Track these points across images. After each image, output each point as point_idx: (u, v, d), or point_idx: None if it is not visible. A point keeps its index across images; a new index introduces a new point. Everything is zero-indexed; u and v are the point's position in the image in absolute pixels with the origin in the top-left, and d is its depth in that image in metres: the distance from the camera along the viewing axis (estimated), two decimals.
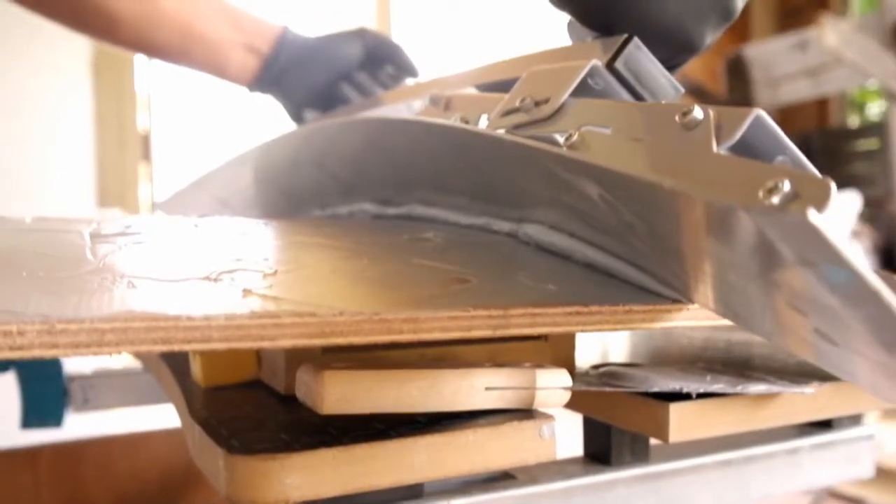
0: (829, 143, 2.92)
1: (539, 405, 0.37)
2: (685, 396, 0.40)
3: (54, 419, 0.72)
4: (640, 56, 0.41)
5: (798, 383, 0.43)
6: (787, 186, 0.26)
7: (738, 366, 0.47)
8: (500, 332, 0.33)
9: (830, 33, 2.56)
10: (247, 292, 0.31)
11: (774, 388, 0.41)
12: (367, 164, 0.55)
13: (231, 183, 0.75)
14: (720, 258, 0.31)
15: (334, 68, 0.81)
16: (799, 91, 2.82)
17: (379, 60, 0.82)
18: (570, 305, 0.34)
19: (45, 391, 0.72)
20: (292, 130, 0.65)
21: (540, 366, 0.37)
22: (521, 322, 0.33)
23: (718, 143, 0.32)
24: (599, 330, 0.35)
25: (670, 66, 0.43)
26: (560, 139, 0.38)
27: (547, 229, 0.43)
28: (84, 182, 1.91)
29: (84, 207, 1.92)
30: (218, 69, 0.82)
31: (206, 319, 0.28)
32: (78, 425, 0.76)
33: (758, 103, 2.92)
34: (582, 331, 0.35)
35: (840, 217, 1.97)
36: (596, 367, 0.45)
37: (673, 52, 0.42)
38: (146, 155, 2.22)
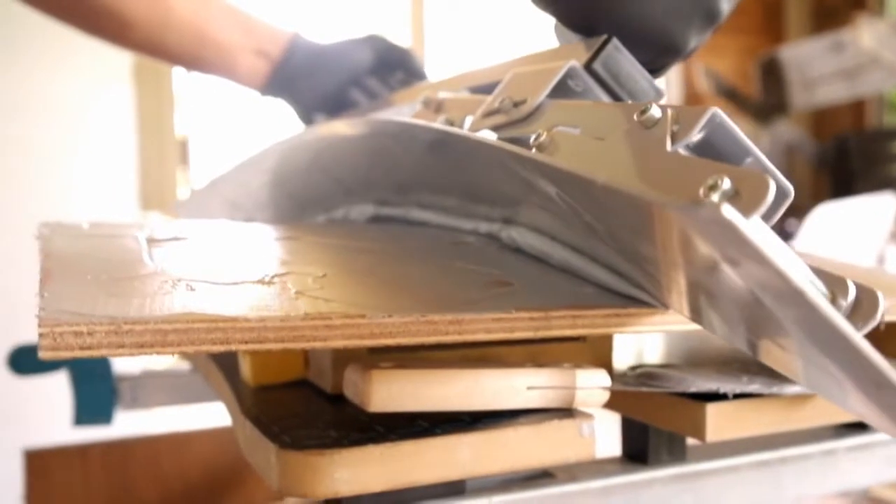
0: (866, 146, 2.89)
1: (579, 405, 0.38)
2: (722, 397, 0.41)
3: (104, 417, 0.74)
4: (619, 57, 0.41)
5: None
6: (726, 184, 0.26)
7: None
8: (541, 334, 0.34)
9: (867, 34, 2.53)
10: (299, 294, 0.33)
11: (809, 390, 0.42)
12: (365, 167, 0.56)
13: (242, 186, 0.76)
14: (671, 261, 0.31)
15: (344, 73, 0.81)
16: (835, 93, 2.80)
17: (389, 66, 0.82)
18: (609, 308, 0.35)
19: (95, 390, 0.74)
20: (297, 134, 0.65)
21: (579, 366, 0.38)
22: (562, 324, 0.34)
23: (675, 142, 0.33)
24: (636, 332, 0.36)
25: (654, 69, 0.42)
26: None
27: (529, 231, 0.43)
28: (127, 186, 1.94)
29: (127, 211, 1.95)
30: (229, 73, 0.82)
31: (262, 321, 0.30)
32: (127, 424, 0.78)
33: (793, 106, 2.89)
34: (618, 332, 0.37)
35: (876, 219, 1.95)
36: (633, 368, 0.46)
37: (655, 54, 0.42)
38: (184, 159, 2.26)
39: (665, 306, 0.36)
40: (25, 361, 0.74)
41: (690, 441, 0.45)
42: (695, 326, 0.37)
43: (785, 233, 2.59)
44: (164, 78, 2.08)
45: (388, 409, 0.34)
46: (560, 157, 0.37)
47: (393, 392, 0.34)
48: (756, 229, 0.29)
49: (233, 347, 0.29)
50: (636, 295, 0.37)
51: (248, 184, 0.74)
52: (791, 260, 0.31)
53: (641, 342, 0.55)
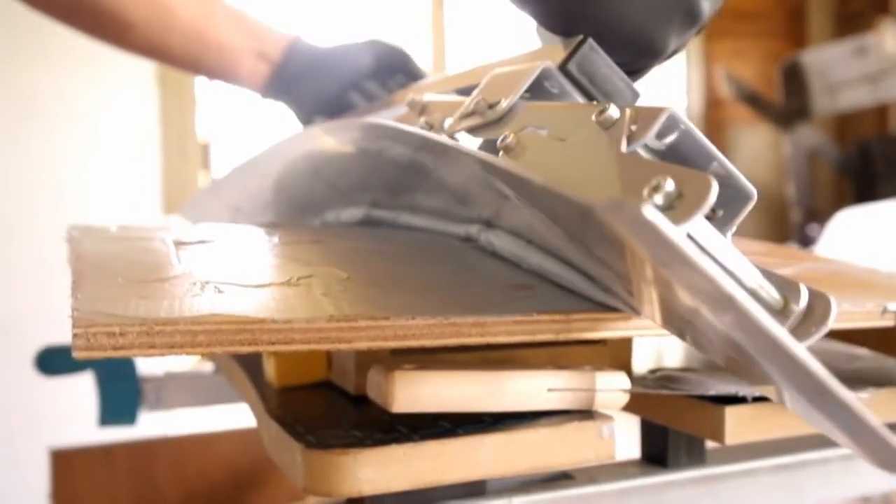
0: (889, 150, 2.87)
1: (599, 407, 0.38)
2: (741, 400, 0.41)
3: (129, 418, 0.75)
4: (595, 58, 0.40)
5: (853, 388, 0.44)
6: (669, 185, 0.26)
7: None
8: (562, 336, 0.34)
9: (890, 38, 2.52)
10: (324, 297, 0.33)
11: None
12: (354, 169, 0.55)
13: (242, 189, 0.76)
14: (623, 266, 0.31)
15: (344, 77, 0.81)
16: (858, 98, 2.78)
17: (389, 69, 0.82)
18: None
19: (120, 391, 0.75)
20: (291, 137, 0.65)
21: (599, 369, 0.39)
22: (583, 326, 0.35)
23: (632, 143, 0.32)
24: (656, 335, 0.37)
25: (633, 70, 0.42)
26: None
27: (506, 235, 0.43)
28: (151, 189, 1.96)
29: (150, 214, 1.97)
30: (229, 75, 0.82)
31: (289, 323, 0.30)
32: (151, 425, 0.79)
33: (816, 111, 2.88)
34: (638, 335, 0.37)
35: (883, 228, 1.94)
36: (653, 371, 0.47)
37: (634, 55, 0.41)
38: (206, 163, 2.28)
39: (635, 311, 0.36)
40: (52, 362, 0.75)
41: (710, 444, 0.46)
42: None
43: (807, 238, 2.58)
44: (187, 83, 2.10)
45: (410, 410, 0.35)
46: (526, 158, 0.37)
47: (416, 393, 0.34)
48: (698, 230, 0.29)
49: (260, 348, 0.30)
50: (606, 301, 0.36)
51: (248, 187, 0.74)
52: (739, 263, 0.31)
53: (661, 345, 0.55)
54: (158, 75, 1.96)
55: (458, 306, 0.34)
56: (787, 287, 0.31)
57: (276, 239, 0.46)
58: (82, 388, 0.77)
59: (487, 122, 0.42)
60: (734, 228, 0.35)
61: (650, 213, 0.22)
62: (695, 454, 0.46)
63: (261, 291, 0.34)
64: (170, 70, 1.93)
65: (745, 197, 0.35)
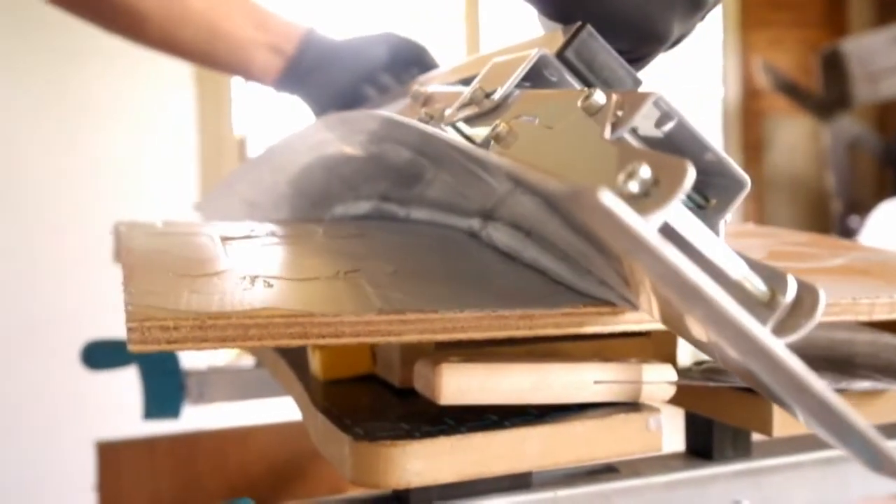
0: None
1: (645, 399, 0.38)
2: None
3: (173, 411, 0.76)
4: (594, 45, 0.40)
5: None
6: (644, 172, 0.25)
7: (840, 363, 0.47)
8: (609, 329, 0.34)
9: None
10: (372, 290, 0.34)
11: (879, 386, 0.42)
12: (362, 164, 0.55)
13: (256, 185, 0.76)
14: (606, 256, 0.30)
15: (358, 70, 0.80)
16: None
17: (403, 62, 0.81)
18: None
19: (164, 385, 0.76)
20: (301, 130, 0.64)
21: (646, 361, 0.38)
22: (630, 318, 0.34)
23: (617, 128, 0.32)
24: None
25: (636, 58, 0.41)
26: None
27: (505, 227, 0.42)
28: (188, 185, 1.98)
29: (188, 209, 1.99)
30: (242, 69, 0.82)
31: (338, 316, 0.31)
32: (193, 418, 0.80)
33: (856, 100, 2.84)
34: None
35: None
36: (698, 363, 0.46)
37: (636, 42, 0.40)
38: (242, 158, 2.30)
39: (633, 305, 0.35)
40: (98, 356, 0.77)
41: (755, 437, 0.45)
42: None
43: (848, 230, 2.54)
44: (223, 81, 2.12)
45: (457, 402, 0.35)
46: (516, 147, 0.37)
47: (463, 385, 0.35)
48: (678, 219, 0.28)
49: (310, 342, 0.30)
50: (603, 296, 0.35)
51: (262, 182, 0.74)
52: (723, 253, 0.30)
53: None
54: (195, 73, 1.98)
55: (506, 299, 0.34)
56: (774, 279, 0.30)
57: (319, 233, 0.46)
58: (127, 382, 0.78)
59: (483, 111, 0.41)
60: (728, 217, 0.35)
61: (608, 199, 0.22)
62: (740, 447, 0.46)
63: (309, 285, 0.34)
64: (206, 70, 1.95)
65: (739, 186, 0.34)
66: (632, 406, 0.38)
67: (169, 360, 0.76)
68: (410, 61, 0.81)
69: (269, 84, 0.83)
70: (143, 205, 1.84)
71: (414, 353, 0.41)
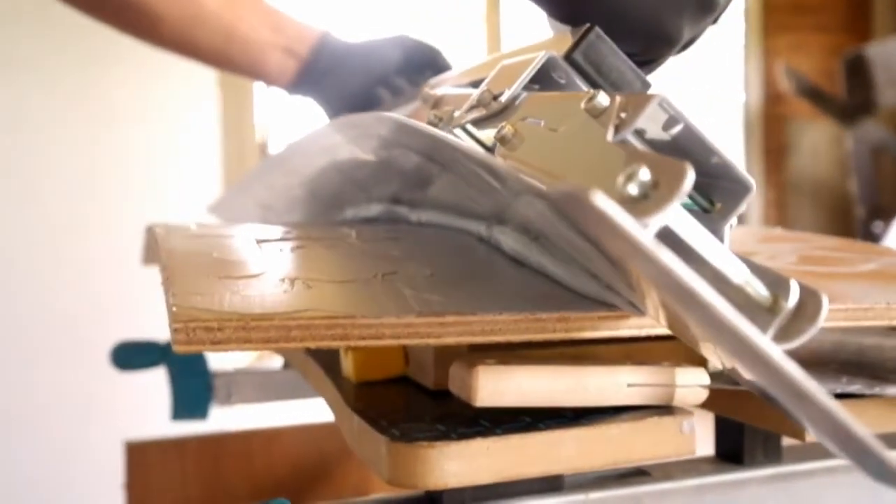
0: None
1: (678, 403, 0.39)
2: None
3: (201, 412, 0.77)
4: (602, 47, 0.39)
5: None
6: (644, 174, 0.25)
7: (872, 368, 0.47)
8: (646, 332, 0.34)
9: None
10: (410, 292, 0.34)
11: None
12: (373, 168, 0.55)
13: (270, 188, 0.76)
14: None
15: (372, 73, 0.80)
16: None
17: (417, 65, 0.81)
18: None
19: (192, 386, 0.76)
20: (313, 133, 0.64)
21: (678, 364, 0.39)
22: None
23: (621, 130, 0.32)
24: None
25: (646, 61, 0.41)
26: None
27: (512, 232, 0.42)
28: (211, 187, 2.00)
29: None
30: (256, 71, 0.82)
31: (379, 318, 0.31)
32: (220, 419, 0.80)
33: (880, 105, 2.82)
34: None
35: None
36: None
37: (646, 44, 0.40)
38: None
39: (638, 310, 0.35)
40: (127, 357, 0.77)
41: (786, 441, 0.45)
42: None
43: (871, 235, 2.53)
44: (245, 84, 2.13)
45: (493, 404, 0.35)
46: (522, 149, 0.37)
47: (499, 387, 0.35)
48: (678, 222, 0.27)
49: (351, 343, 0.31)
50: (610, 300, 0.35)
51: (275, 185, 0.74)
52: (724, 258, 0.30)
53: None
54: (220, 78, 1.99)
55: (543, 301, 0.35)
56: (777, 284, 0.30)
57: (352, 236, 0.47)
58: (156, 383, 0.79)
59: (491, 113, 0.41)
60: (734, 222, 0.35)
61: (600, 200, 0.21)
62: (771, 452, 0.46)
63: (348, 287, 0.35)
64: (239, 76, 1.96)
65: (744, 189, 0.34)
66: (665, 409, 0.38)
67: (197, 362, 0.77)
68: (424, 64, 0.81)
69: (283, 86, 0.83)
70: (169, 207, 1.86)
71: (447, 356, 0.41)
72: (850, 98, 2.83)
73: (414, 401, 0.42)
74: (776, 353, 0.22)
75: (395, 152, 0.49)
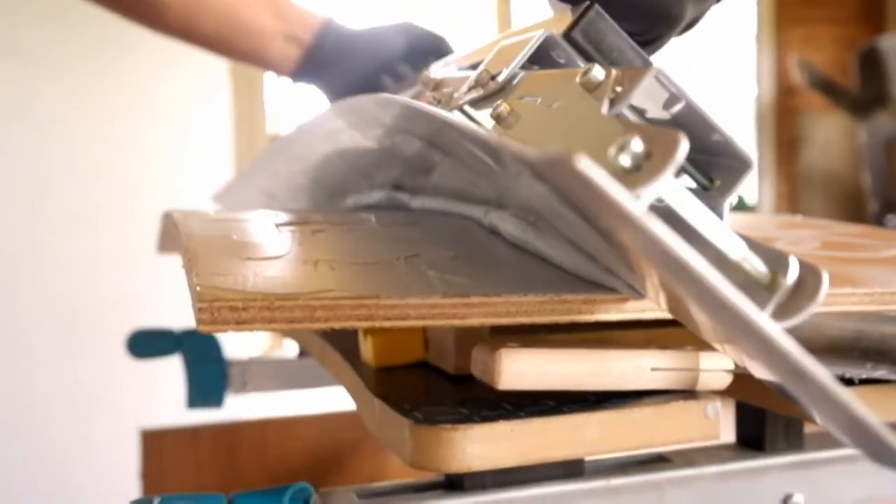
0: None
1: (702, 387, 0.38)
2: (848, 382, 0.41)
3: (216, 401, 0.77)
4: (602, 25, 0.39)
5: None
6: (636, 145, 0.24)
7: (894, 356, 0.47)
8: (672, 315, 0.34)
9: None
10: (434, 274, 0.34)
11: None
12: (376, 154, 0.55)
13: (274, 176, 0.75)
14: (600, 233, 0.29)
15: (376, 60, 0.80)
16: None
17: (422, 53, 0.80)
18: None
19: (208, 374, 0.76)
20: (315, 118, 0.63)
21: (702, 349, 0.38)
22: None
23: (616, 104, 0.31)
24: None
25: (648, 41, 0.40)
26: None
27: (509, 217, 0.42)
28: (223, 179, 2.00)
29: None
30: (259, 58, 0.82)
31: (404, 299, 0.31)
32: (235, 408, 0.80)
33: (893, 98, 2.80)
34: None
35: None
36: None
37: (648, 23, 0.39)
38: None
39: (638, 293, 0.34)
40: (142, 345, 0.77)
41: (809, 428, 0.45)
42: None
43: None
44: (257, 77, 2.13)
45: (516, 388, 0.35)
46: (518, 127, 0.36)
47: (522, 370, 0.35)
48: (672, 195, 0.27)
49: (376, 324, 0.31)
50: (609, 283, 0.35)
51: (279, 173, 0.73)
52: (720, 233, 0.29)
53: None
54: (231, 69, 1.99)
55: (567, 284, 0.34)
56: (776, 260, 0.29)
57: (372, 220, 0.47)
58: (171, 371, 0.79)
59: (489, 93, 0.41)
60: (734, 200, 0.34)
61: (585, 165, 0.21)
62: (793, 439, 0.46)
63: (371, 269, 0.34)
64: (241, 68, 1.96)
65: (744, 166, 0.34)
66: (689, 394, 0.38)
67: (212, 350, 0.77)
68: (428, 52, 0.80)
69: (286, 74, 0.83)
70: (180, 199, 1.86)
71: (468, 340, 0.41)
72: (863, 91, 2.82)
73: (434, 385, 0.42)
74: (772, 328, 0.21)
75: (397, 139, 0.49)
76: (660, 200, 0.29)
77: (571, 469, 0.39)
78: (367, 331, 0.45)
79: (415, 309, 0.31)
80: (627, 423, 0.36)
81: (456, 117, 0.38)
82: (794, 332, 0.54)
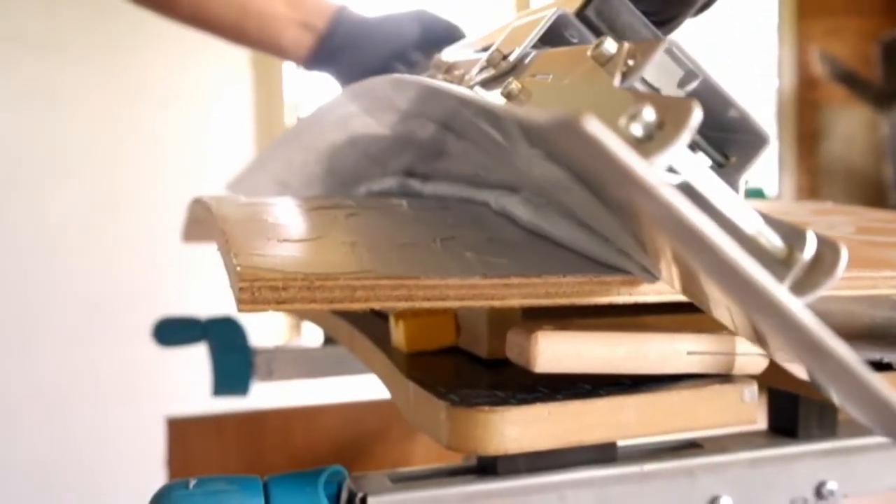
0: None
1: (738, 371, 0.38)
2: (885, 367, 0.40)
3: (241, 389, 0.77)
4: (615, 3, 0.38)
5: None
6: (648, 114, 0.24)
7: None
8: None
9: None
10: (472, 255, 0.34)
11: None
12: (389, 140, 0.55)
13: (287, 163, 0.75)
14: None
15: (390, 48, 0.79)
16: None
17: (435, 41, 0.79)
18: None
19: (233, 362, 0.77)
20: (327, 105, 0.63)
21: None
22: None
23: (628, 77, 0.31)
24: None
25: (663, 20, 0.40)
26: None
27: (519, 203, 0.41)
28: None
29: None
30: (272, 46, 0.81)
31: (444, 279, 0.31)
32: (260, 396, 0.81)
33: None
34: None
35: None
36: None
37: (663, 4, 0.39)
38: None
39: (653, 276, 0.34)
40: (168, 333, 0.78)
41: (842, 415, 0.45)
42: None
43: None
44: (276, 65, 2.14)
45: (552, 370, 0.35)
46: (530, 104, 0.36)
47: (559, 353, 0.35)
48: (686, 166, 0.26)
49: (415, 304, 0.31)
50: (622, 264, 0.34)
51: (292, 161, 0.73)
52: (736, 206, 0.28)
53: None
54: (251, 59, 2.00)
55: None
56: (792, 235, 0.28)
57: (404, 205, 0.47)
58: (196, 360, 0.80)
59: (500, 73, 0.41)
60: (748, 174, 0.34)
61: (593, 126, 0.20)
62: (826, 425, 0.46)
63: (408, 250, 0.34)
64: (262, 58, 1.97)
65: (761, 141, 0.33)
66: (725, 378, 0.38)
67: (238, 338, 0.77)
68: (442, 39, 0.80)
69: (299, 61, 0.83)
70: (201, 188, 1.87)
71: (501, 324, 0.41)
72: (886, 83, 2.80)
73: (467, 369, 0.42)
74: (788, 298, 0.20)
75: (411, 124, 0.48)
76: (672, 170, 0.28)
77: (604, 454, 0.39)
78: (399, 316, 0.45)
79: (454, 289, 0.31)
80: (664, 407, 0.36)
81: (465, 90, 0.38)
82: (830, 320, 0.54)
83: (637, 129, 0.24)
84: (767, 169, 3.13)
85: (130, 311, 1.58)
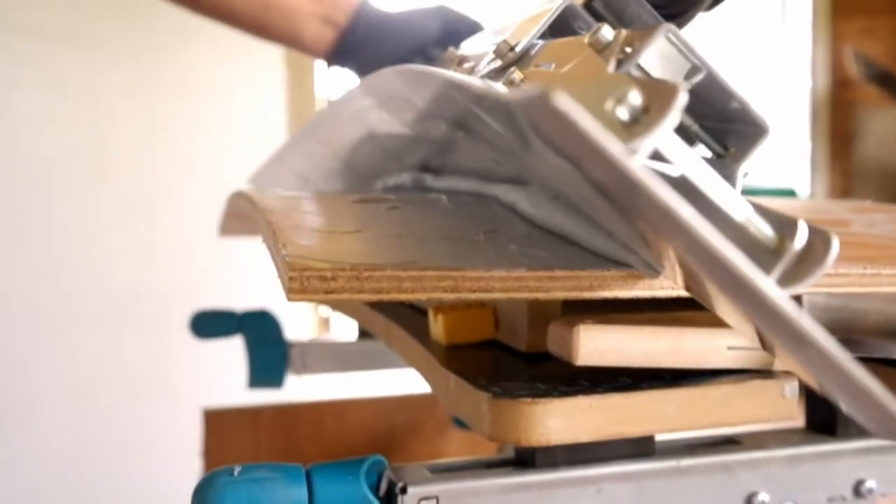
0: None
1: (777, 367, 0.38)
2: None
3: (276, 381, 0.78)
4: None
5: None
6: (634, 98, 0.24)
7: None
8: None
9: None
10: (516, 248, 0.34)
11: None
12: (408, 137, 0.54)
13: (307, 158, 0.75)
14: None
15: (410, 43, 0.79)
16: None
17: (456, 37, 0.78)
18: None
19: (268, 355, 0.78)
20: (343, 98, 0.62)
21: None
22: None
23: (624, 64, 0.31)
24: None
25: (673, 14, 0.39)
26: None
27: (525, 198, 0.42)
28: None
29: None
30: (294, 40, 0.81)
31: (489, 271, 0.31)
32: (294, 389, 0.81)
33: None
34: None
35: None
36: None
37: None
38: None
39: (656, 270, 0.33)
40: (205, 325, 0.79)
41: None
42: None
43: None
44: (308, 63, 2.15)
45: (594, 364, 0.35)
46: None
47: (600, 347, 0.35)
48: (675, 152, 0.26)
49: (462, 296, 0.31)
50: (626, 259, 0.34)
51: (311, 156, 0.73)
52: (726, 194, 0.28)
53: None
54: (285, 58, 2.01)
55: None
56: (783, 224, 0.27)
57: (443, 199, 0.47)
58: (233, 352, 0.81)
59: (507, 63, 0.41)
60: (748, 165, 0.34)
61: (562, 102, 0.20)
62: None
63: (453, 243, 0.35)
64: (293, 53, 1.98)
65: (760, 132, 0.33)
66: (766, 373, 0.38)
67: (273, 331, 0.78)
68: (463, 35, 0.79)
69: (320, 56, 0.83)
70: (237, 184, 1.88)
71: (541, 318, 0.41)
72: None
73: (506, 362, 0.42)
74: (767, 284, 0.20)
75: (427, 123, 0.49)
76: (662, 159, 0.28)
77: (642, 448, 0.39)
78: (438, 309, 0.45)
79: (500, 281, 0.31)
80: (705, 401, 0.36)
81: (458, 74, 0.38)
82: (859, 317, 0.54)
83: (623, 113, 0.24)
84: (800, 169, 3.10)
85: (168, 304, 1.59)
